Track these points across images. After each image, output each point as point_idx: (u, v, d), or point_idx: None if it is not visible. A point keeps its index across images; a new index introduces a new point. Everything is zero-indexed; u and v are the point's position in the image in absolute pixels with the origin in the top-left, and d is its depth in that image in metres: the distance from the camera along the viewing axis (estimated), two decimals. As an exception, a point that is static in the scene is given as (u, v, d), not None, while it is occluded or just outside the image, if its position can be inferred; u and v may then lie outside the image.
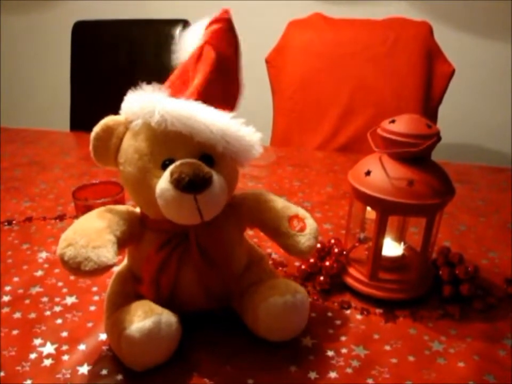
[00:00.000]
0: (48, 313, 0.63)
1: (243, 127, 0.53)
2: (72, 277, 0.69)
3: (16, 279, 0.70)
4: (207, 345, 0.57)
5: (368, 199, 0.62)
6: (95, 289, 0.68)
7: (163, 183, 0.49)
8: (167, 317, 0.52)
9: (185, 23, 1.48)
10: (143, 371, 0.52)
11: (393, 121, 0.61)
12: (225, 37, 0.56)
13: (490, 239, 0.84)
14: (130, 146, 0.52)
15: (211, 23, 0.56)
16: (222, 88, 0.55)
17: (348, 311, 0.64)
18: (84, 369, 0.53)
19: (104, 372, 0.53)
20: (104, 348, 0.57)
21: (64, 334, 0.59)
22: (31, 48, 2.41)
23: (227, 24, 0.56)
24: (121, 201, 0.74)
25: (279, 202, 0.60)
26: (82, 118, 1.59)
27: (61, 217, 0.89)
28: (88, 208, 0.63)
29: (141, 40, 1.52)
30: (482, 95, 1.86)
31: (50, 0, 2.25)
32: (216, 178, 0.50)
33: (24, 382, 0.52)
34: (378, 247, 0.64)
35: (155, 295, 0.54)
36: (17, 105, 2.52)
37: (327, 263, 0.69)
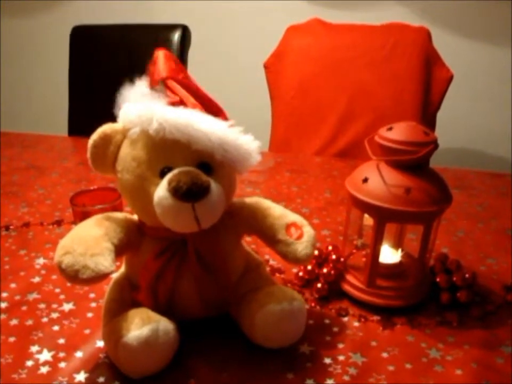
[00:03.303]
0: (45, 320, 0.63)
1: (241, 135, 0.53)
2: (69, 284, 0.69)
3: (13, 285, 0.70)
4: (204, 352, 0.57)
5: (365, 206, 0.62)
6: (92, 296, 0.68)
7: (161, 191, 0.49)
8: (165, 324, 0.51)
9: (184, 28, 1.48)
10: (140, 378, 0.52)
11: (390, 129, 0.61)
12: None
13: (488, 245, 0.84)
14: (128, 154, 0.52)
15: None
16: None
17: (345, 318, 0.64)
18: (81, 377, 0.53)
19: (101, 379, 0.53)
20: (101, 355, 0.56)
21: (61, 341, 0.59)
22: (29, 52, 2.41)
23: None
24: (119, 208, 0.74)
25: (277, 210, 0.60)
26: (80, 123, 1.58)
27: (59, 223, 0.89)
28: (85, 214, 0.63)
29: (140, 45, 1.52)
30: (481, 101, 1.87)
31: (50, 1, 2.26)
32: (214, 186, 0.50)
33: (21, 390, 0.51)
34: (375, 253, 0.64)
35: (152, 303, 0.54)
36: (15, 110, 2.52)
37: (325, 270, 0.69)
